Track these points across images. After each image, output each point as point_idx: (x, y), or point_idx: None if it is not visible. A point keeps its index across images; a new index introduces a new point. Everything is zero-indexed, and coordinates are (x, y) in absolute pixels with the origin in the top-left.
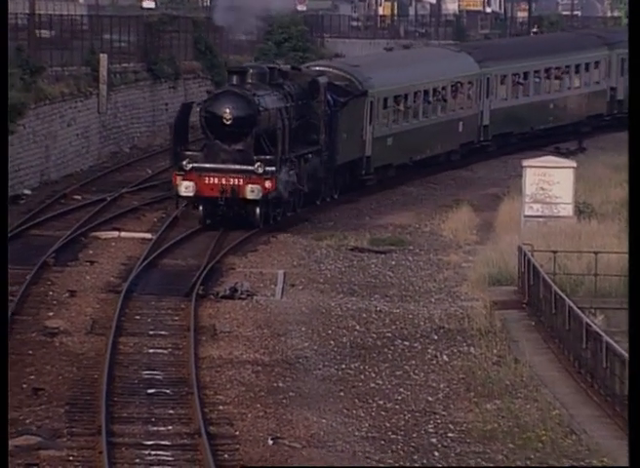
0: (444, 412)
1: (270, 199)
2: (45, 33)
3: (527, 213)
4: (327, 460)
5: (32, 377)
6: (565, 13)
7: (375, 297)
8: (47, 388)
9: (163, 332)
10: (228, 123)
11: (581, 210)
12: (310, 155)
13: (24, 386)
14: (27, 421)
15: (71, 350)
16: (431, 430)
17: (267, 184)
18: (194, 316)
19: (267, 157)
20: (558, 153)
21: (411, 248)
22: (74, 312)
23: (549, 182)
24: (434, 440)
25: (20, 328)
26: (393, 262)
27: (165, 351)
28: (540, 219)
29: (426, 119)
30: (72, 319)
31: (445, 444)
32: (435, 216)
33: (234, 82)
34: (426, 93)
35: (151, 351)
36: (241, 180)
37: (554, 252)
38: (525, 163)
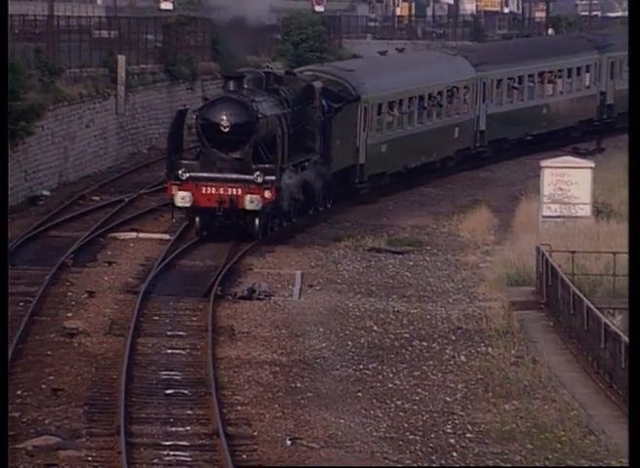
0: (462, 413)
1: (270, 209)
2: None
3: (545, 213)
4: (345, 461)
5: (51, 378)
6: (584, 13)
7: (392, 298)
8: (66, 388)
9: (181, 333)
10: (226, 130)
11: (600, 210)
12: (307, 163)
13: (43, 387)
14: (46, 421)
15: (90, 351)
16: (449, 430)
17: (267, 194)
18: (212, 317)
19: (266, 166)
20: (576, 153)
21: (428, 248)
22: (93, 313)
23: (567, 183)
24: (452, 440)
25: (38, 328)
26: (411, 263)
27: (183, 352)
28: (559, 220)
29: (421, 125)
30: (91, 319)
31: (463, 444)
32: (453, 217)
33: (231, 88)
34: (422, 98)
35: (169, 352)
36: (239, 190)
37: (572, 252)
38: (543, 163)
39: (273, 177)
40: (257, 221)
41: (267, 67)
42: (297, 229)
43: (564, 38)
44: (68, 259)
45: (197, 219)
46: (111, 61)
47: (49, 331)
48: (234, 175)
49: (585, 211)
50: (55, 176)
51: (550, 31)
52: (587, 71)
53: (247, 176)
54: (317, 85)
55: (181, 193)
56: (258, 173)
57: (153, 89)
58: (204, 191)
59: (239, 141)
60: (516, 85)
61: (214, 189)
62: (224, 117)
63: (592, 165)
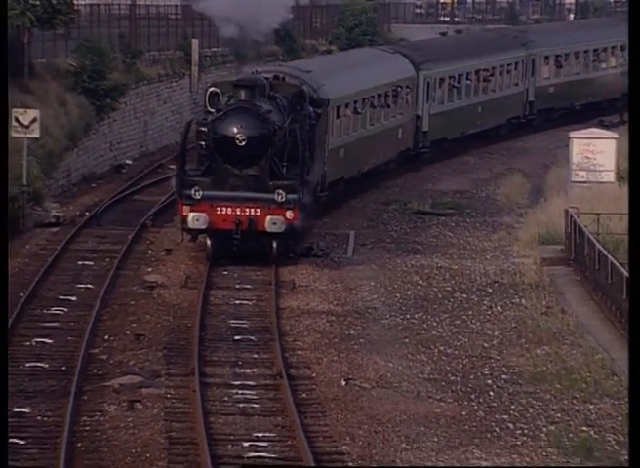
0: (498, 357)
1: (291, 231)
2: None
3: (573, 179)
4: (394, 399)
5: (134, 325)
6: None
7: (436, 255)
8: (147, 334)
9: (248, 286)
10: (241, 145)
11: (622, 176)
12: (309, 177)
13: (127, 333)
14: (130, 363)
15: (167, 301)
16: (487, 373)
17: (289, 215)
18: (275, 272)
19: (286, 183)
20: (602, 125)
21: (468, 211)
22: (170, 268)
23: (593, 152)
24: (489, 381)
25: (123, 281)
26: (452, 224)
27: (250, 302)
28: (585, 185)
29: (372, 127)
30: (168, 274)
31: (499, 385)
32: (490, 183)
33: (243, 97)
34: (372, 98)
35: (237, 302)
36: (258, 211)
37: (598, 214)
38: (571, 134)
39: (295, 196)
40: (274, 244)
41: (256, 71)
42: (350, 194)
43: (495, 35)
44: (148, 221)
45: (209, 242)
46: (186, 45)
47: (132, 283)
48: (251, 194)
49: (610, 177)
50: (136, 147)
51: (571, 16)
52: (516, 69)
53: (266, 195)
54: (307, 90)
55: (195, 214)
56: (278, 191)
57: (223, 69)
58: (219, 212)
59: (255, 156)
60: (456, 84)
61: (230, 209)
62: (240, 130)
63: (616, 136)
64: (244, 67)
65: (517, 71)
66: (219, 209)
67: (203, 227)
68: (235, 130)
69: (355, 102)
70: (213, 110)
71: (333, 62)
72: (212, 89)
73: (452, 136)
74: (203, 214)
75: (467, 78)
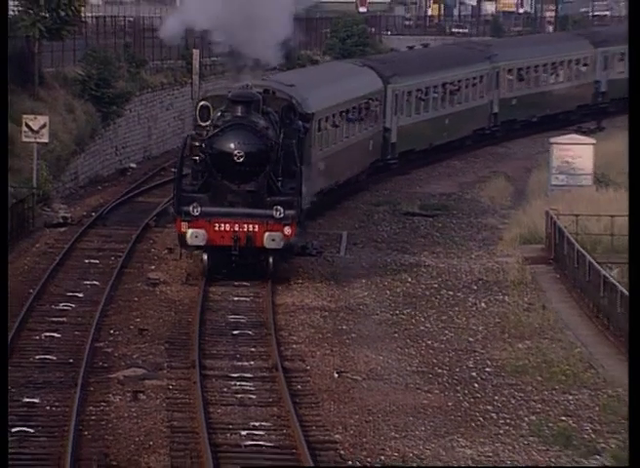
0: (482, 351)
1: (289, 247)
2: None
3: (553, 182)
4: (383, 391)
5: (138, 320)
6: (598, 13)
7: (424, 254)
8: (150, 329)
9: (245, 283)
10: (239, 161)
11: (600, 180)
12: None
13: (131, 327)
14: (134, 356)
15: (169, 297)
16: (471, 365)
17: (287, 231)
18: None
19: (283, 199)
20: (580, 132)
21: (454, 212)
22: (172, 266)
23: (572, 157)
24: (474, 373)
25: (127, 279)
26: (440, 224)
27: (247, 299)
28: (565, 188)
29: (348, 139)
30: (170, 272)
31: (483, 377)
32: (475, 186)
33: (239, 113)
34: (348, 112)
35: (236, 299)
36: (257, 227)
37: (576, 215)
38: (552, 140)
39: (293, 212)
40: (271, 260)
41: (247, 86)
42: (343, 196)
43: (460, 49)
44: (151, 221)
45: (205, 257)
46: (187, 55)
47: (135, 280)
48: (250, 210)
49: (588, 180)
50: (140, 151)
51: (550, 28)
52: (481, 81)
53: (264, 211)
54: (296, 104)
55: (193, 231)
56: (277, 207)
57: (223, 78)
58: (217, 228)
59: (253, 172)
60: (423, 97)
61: (228, 226)
62: (238, 147)
63: (593, 141)
64: (238, 79)
65: (482, 84)
66: (217, 225)
67: (202, 244)
68: (233, 146)
69: (334, 116)
70: (204, 124)
71: (310, 76)
72: (202, 103)
73: (419, 148)
74: (202, 231)
75: (434, 91)
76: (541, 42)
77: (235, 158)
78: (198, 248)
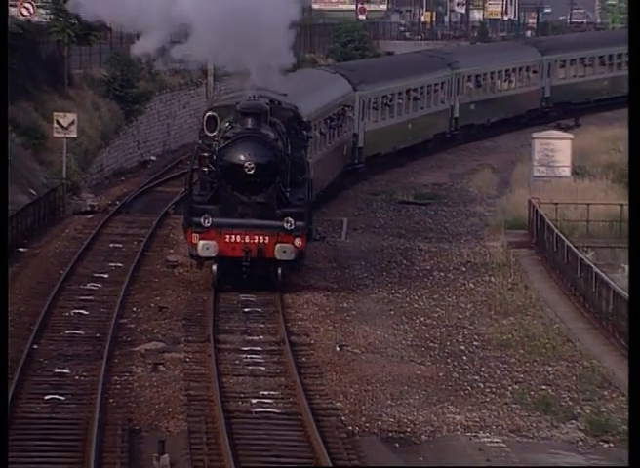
0: (470, 326)
1: (300, 258)
2: None
3: (535, 174)
4: (381, 363)
5: (158, 298)
6: (575, 20)
7: (417, 239)
8: (169, 307)
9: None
10: (250, 172)
11: (577, 171)
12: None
13: (152, 305)
14: (155, 331)
15: (186, 278)
16: (460, 340)
17: (297, 242)
18: None
19: (293, 210)
20: (559, 128)
21: (445, 201)
22: (188, 250)
23: (552, 150)
24: (463, 347)
25: (148, 261)
26: (432, 212)
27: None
28: (545, 179)
29: (330, 145)
30: (187, 255)
31: (471, 350)
32: (464, 177)
33: (249, 125)
34: (329, 119)
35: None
36: (267, 238)
37: (556, 204)
38: (534, 135)
39: (303, 223)
40: (279, 271)
41: (253, 97)
42: (343, 186)
43: (423, 56)
44: (170, 209)
45: (214, 268)
46: None
47: (155, 263)
48: (260, 222)
49: (566, 172)
50: (160, 145)
51: (528, 33)
52: (442, 87)
53: (275, 223)
54: (301, 114)
55: (205, 242)
56: (288, 219)
57: (234, 78)
58: (227, 239)
59: (263, 184)
60: (389, 103)
61: (239, 237)
62: (248, 158)
63: (571, 136)
64: (244, 87)
65: (443, 90)
66: (228, 236)
67: (213, 255)
68: (243, 158)
69: (319, 123)
70: (211, 134)
71: (295, 84)
72: (209, 113)
73: (385, 152)
74: (212, 242)
75: (399, 97)
76: (496, 50)
77: (246, 169)
78: (209, 259)
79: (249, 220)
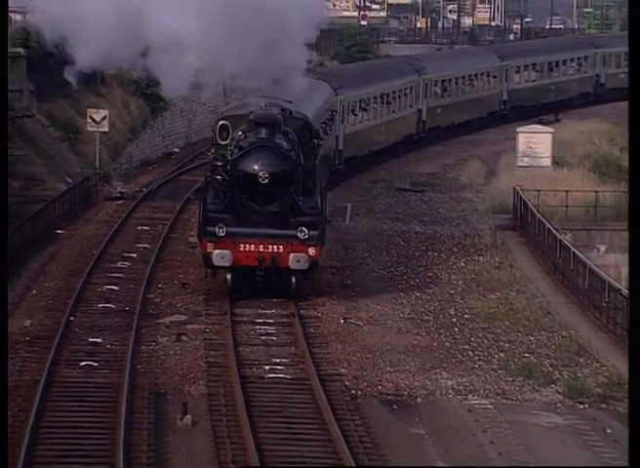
0: (461, 301)
1: (313, 268)
2: None
3: (519, 164)
4: (380, 334)
5: (181, 276)
6: (555, 26)
7: (414, 222)
8: (191, 283)
9: None
10: (264, 182)
11: (557, 162)
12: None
13: (176, 282)
14: (178, 305)
15: None
16: (452, 313)
17: (312, 251)
18: None
19: (307, 219)
20: (541, 122)
21: (439, 188)
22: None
23: (535, 143)
24: (454, 319)
25: (172, 242)
26: (427, 198)
27: None
28: (528, 168)
29: (322, 150)
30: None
31: (462, 322)
32: (455, 166)
33: (263, 135)
34: (324, 123)
35: None
36: (281, 248)
37: (538, 191)
38: (518, 129)
39: (317, 232)
40: (293, 280)
41: (265, 106)
42: (347, 175)
43: (395, 62)
44: (192, 195)
45: (229, 277)
46: None
47: (179, 244)
48: (275, 231)
49: (547, 162)
50: (182, 138)
51: (511, 36)
52: (411, 92)
53: (289, 232)
54: (312, 123)
55: (219, 251)
56: (301, 228)
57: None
58: (242, 248)
59: (277, 193)
60: (365, 106)
61: (253, 246)
62: (263, 168)
63: (552, 130)
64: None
65: (412, 94)
66: (242, 245)
67: (227, 264)
68: (257, 167)
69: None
70: (223, 143)
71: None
72: (222, 122)
73: (361, 154)
74: (227, 252)
75: (374, 101)
76: (460, 57)
77: (260, 179)
78: (223, 268)
79: (263, 230)
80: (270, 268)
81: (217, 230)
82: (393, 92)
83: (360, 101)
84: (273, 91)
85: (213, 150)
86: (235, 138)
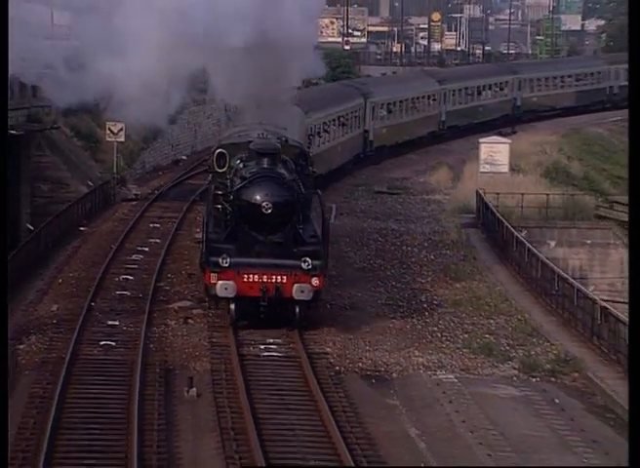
0: (431, 289)
1: (317, 298)
2: None
3: (481, 170)
4: (361, 318)
5: (187, 267)
6: (512, 51)
7: (390, 221)
8: (196, 273)
9: None
10: (267, 212)
11: (514, 168)
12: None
13: (183, 272)
14: (185, 292)
15: None
16: (423, 300)
17: (315, 282)
18: None
19: (310, 249)
20: (500, 134)
21: (411, 191)
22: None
23: (495, 152)
24: (425, 305)
25: (180, 238)
26: (401, 200)
27: None
28: (489, 174)
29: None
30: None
31: (432, 308)
32: (426, 172)
33: (265, 165)
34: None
35: None
36: (285, 278)
37: (497, 193)
38: (480, 140)
39: (320, 262)
40: (297, 309)
41: (263, 135)
42: (332, 180)
43: (344, 87)
44: (197, 197)
45: (232, 307)
46: None
47: (186, 239)
48: (278, 261)
49: (505, 169)
50: (188, 147)
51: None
52: (357, 114)
53: (292, 262)
54: (308, 151)
55: (223, 282)
56: (305, 258)
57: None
58: (245, 279)
59: (280, 224)
60: (327, 129)
61: (256, 276)
62: (266, 198)
63: (509, 141)
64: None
65: (359, 116)
66: (245, 276)
67: (231, 295)
68: (261, 198)
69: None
70: (221, 171)
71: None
72: (219, 150)
73: (324, 171)
74: (231, 282)
75: (333, 123)
76: (403, 81)
77: (263, 209)
78: (226, 298)
79: (267, 260)
80: (274, 299)
81: (220, 261)
82: (346, 114)
83: (322, 124)
84: (269, 117)
85: (210, 177)
86: (234, 167)
